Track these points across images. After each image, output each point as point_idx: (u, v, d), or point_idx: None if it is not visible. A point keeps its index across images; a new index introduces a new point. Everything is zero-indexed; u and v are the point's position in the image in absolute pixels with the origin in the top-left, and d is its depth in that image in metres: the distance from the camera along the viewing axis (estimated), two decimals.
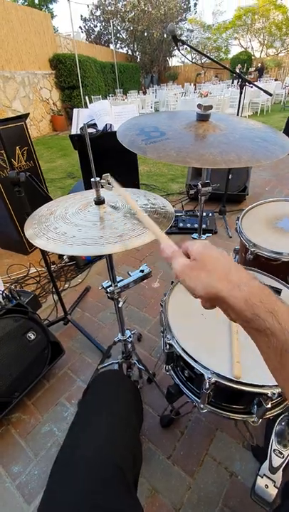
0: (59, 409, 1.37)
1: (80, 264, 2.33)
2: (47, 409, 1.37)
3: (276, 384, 0.64)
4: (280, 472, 1.03)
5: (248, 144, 0.88)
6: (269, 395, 0.62)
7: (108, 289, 0.99)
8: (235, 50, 19.72)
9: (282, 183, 3.80)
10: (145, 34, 17.06)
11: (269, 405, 0.65)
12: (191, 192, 1.09)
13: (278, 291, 0.91)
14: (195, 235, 1.27)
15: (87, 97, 8.88)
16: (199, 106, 0.95)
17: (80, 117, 2.46)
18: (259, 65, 12.29)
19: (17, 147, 2.24)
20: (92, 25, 18.56)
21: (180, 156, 0.80)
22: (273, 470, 1.04)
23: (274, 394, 0.62)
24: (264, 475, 1.05)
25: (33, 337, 1.35)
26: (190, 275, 0.38)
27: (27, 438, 1.27)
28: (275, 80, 12.75)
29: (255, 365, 0.70)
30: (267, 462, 1.06)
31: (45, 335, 1.41)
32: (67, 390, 1.44)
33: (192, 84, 13.21)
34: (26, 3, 14.28)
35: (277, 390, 0.62)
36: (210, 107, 0.94)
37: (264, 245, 1.06)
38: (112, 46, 15.08)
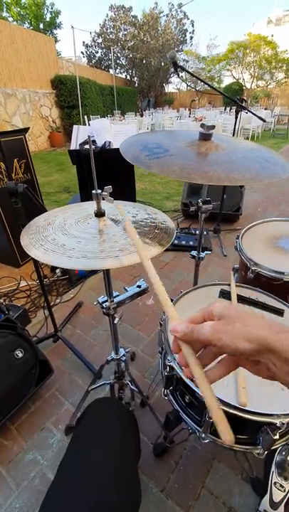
0: (44, 435, 1.27)
1: (73, 278, 2.27)
2: (31, 435, 1.27)
3: (285, 413, 0.60)
4: (281, 508, 0.96)
5: (250, 164, 0.89)
6: (278, 424, 0.58)
7: (104, 305, 0.95)
8: (227, 81, 20.86)
9: (273, 204, 3.91)
10: (143, 62, 17.98)
11: (277, 436, 0.61)
12: (192, 209, 1.08)
13: (280, 312, 0.88)
14: (194, 252, 1.25)
15: (86, 117, 9.15)
16: (202, 125, 0.97)
17: (80, 134, 2.51)
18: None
19: (15, 159, 2.24)
20: (93, 51, 19.51)
21: (184, 172, 0.80)
22: (274, 505, 0.97)
23: (283, 424, 0.58)
24: (264, 511, 0.98)
25: (20, 355, 1.27)
26: (224, 330, 0.32)
27: (8, 467, 1.16)
28: (265, 109, 13.51)
29: (262, 392, 0.66)
30: (267, 497, 0.99)
31: (34, 353, 1.33)
32: (54, 414, 1.35)
33: (187, 109, 13.82)
34: (32, 28, 14.94)
35: (287, 420, 0.58)
36: (212, 127, 0.96)
37: (265, 264, 1.04)
38: (111, 71, 15.81)
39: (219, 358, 0.35)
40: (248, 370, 0.34)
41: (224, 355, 0.35)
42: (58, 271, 2.33)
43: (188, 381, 0.68)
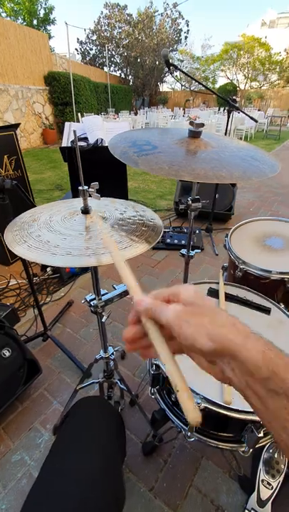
0: (32, 435, 1.25)
1: (64, 277, 2.25)
2: (19, 435, 1.25)
3: None
4: (268, 505, 0.97)
5: (238, 162, 0.89)
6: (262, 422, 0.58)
7: (92, 303, 0.94)
8: (221, 81, 20.98)
9: (265, 204, 3.94)
10: (138, 60, 17.92)
11: (261, 434, 0.61)
12: (181, 207, 1.08)
13: (268, 310, 0.89)
14: (184, 251, 1.25)
15: (79, 114, 9.07)
16: (191, 123, 0.96)
17: (72, 130, 2.47)
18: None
19: (5, 156, 2.20)
20: (87, 48, 19.34)
21: (172, 169, 0.79)
22: (262, 503, 0.98)
23: None
24: (252, 509, 0.99)
25: (8, 354, 1.25)
26: (189, 320, 0.29)
27: None
28: (258, 110, 13.63)
29: None
30: (255, 494, 1.00)
31: (22, 352, 1.31)
32: (42, 413, 1.33)
33: (181, 108, 13.86)
34: (25, 24, 14.76)
35: None
36: (202, 125, 0.95)
37: (253, 263, 1.05)
38: (106, 69, 15.71)
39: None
40: (195, 362, 0.31)
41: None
42: (48, 269, 2.30)
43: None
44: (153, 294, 0.34)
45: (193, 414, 0.27)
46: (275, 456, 1.03)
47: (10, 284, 2.17)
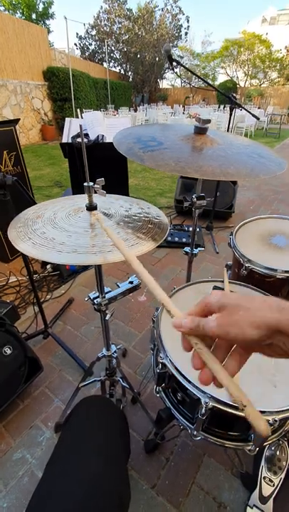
0: (33, 432, 1.24)
1: (64, 274, 2.24)
2: (20, 433, 1.24)
3: (277, 410, 0.60)
4: (270, 502, 0.97)
5: (245, 159, 0.88)
6: (270, 421, 0.58)
7: (95, 301, 0.93)
8: (221, 78, 20.89)
9: (265, 203, 3.94)
10: (138, 56, 17.76)
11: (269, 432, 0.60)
12: (186, 204, 1.07)
13: None
14: (187, 249, 1.24)
15: (78, 110, 8.98)
16: (198, 119, 0.95)
17: (72, 127, 2.45)
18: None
19: (5, 151, 2.18)
20: (87, 43, 19.15)
21: (179, 166, 0.78)
22: (264, 500, 0.98)
23: (275, 421, 0.57)
24: (254, 505, 0.99)
25: (9, 352, 1.24)
26: (230, 321, 0.31)
27: None
28: (258, 107, 13.59)
29: (255, 388, 0.66)
30: (257, 491, 1.00)
31: (23, 350, 1.30)
32: (43, 412, 1.32)
33: (181, 105, 13.80)
34: (24, 18, 14.54)
35: (279, 417, 0.58)
36: (208, 121, 0.94)
37: (259, 261, 1.04)
38: (105, 64, 15.57)
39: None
40: (263, 354, 0.33)
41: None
42: (48, 266, 2.29)
43: (180, 378, 0.67)
44: (188, 313, 0.35)
45: (265, 427, 0.28)
46: (277, 453, 1.04)
47: (9, 281, 2.15)
